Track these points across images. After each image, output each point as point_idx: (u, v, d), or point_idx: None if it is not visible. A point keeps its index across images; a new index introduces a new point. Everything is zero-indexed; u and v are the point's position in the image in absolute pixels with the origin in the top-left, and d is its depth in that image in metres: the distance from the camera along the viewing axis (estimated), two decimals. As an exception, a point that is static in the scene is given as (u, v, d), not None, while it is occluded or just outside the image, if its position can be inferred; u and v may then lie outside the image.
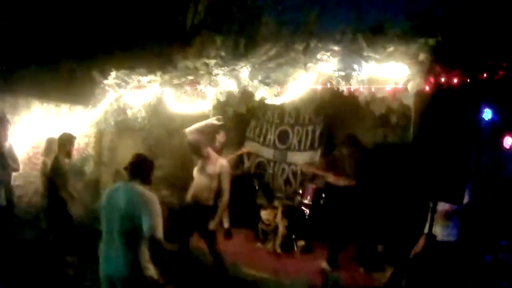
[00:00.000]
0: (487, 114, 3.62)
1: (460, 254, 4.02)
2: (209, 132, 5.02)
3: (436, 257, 3.92)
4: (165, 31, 8.12)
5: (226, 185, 4.62)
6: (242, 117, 7.11)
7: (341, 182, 5.33)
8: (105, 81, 6.33)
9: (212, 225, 4.55)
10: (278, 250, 5.87)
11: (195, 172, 4.77)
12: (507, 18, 3.64)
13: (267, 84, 4.19)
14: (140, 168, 3.17)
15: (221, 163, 4.75)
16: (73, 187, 5.79)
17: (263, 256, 5.82)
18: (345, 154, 5.38)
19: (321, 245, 5.86)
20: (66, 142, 5.28)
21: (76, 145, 6.81)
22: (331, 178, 5.54)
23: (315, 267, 5.26)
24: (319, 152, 6.84)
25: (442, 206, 3.94)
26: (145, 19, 8.11)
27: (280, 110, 7.35)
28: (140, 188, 3.09)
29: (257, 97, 4.48)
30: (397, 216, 5.21)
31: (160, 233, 2.98)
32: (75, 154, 6.67)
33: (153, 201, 3.03)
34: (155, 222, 2.95)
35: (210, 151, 4.79)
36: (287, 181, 7.33)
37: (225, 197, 4.60)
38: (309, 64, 3.95)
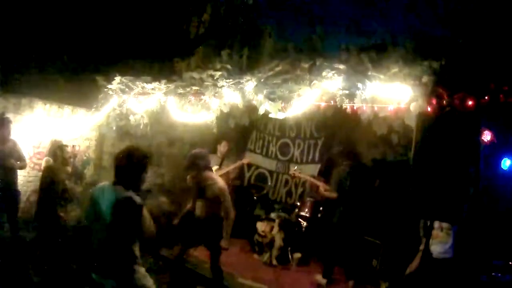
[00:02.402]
0: (487, 136, 3.70)
1: (456, 271, 4.06)
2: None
3: (432, 274, 3.97)
4: (170, 39, 8.21)
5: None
6: (243, 128, 7.17)
7: (327, 193, 5.45)
8: (109, 86, 6.37)
9: (224, 243, 4.35)
10: (274, 262, 5.87)
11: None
12: (509, 43, 3.74)
13: (272, 100, 4.22)
14: (127, 172, 2.91)
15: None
16: (71, 190, 5.84)
17: (259, 267, 5.83)
18: (337, 166, 5.51)
19: (318, 258, 5.89)
20: (56, 149, 5.44)
21: (76, 148, 6.90)
22: (321, 187, 5.65)
23: (310, 280, 5.29)
24: (319, 167, 6.89)
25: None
26: (150, 26, 8.21)
27: (281, 123, 7.40)
28: (124, 193, 2.86)
29: (261, 111, 4.52)
30: (393, 232, 5.25)
31: (150, 233, 2.95)
32: (77, 157, 6.73)
33: (137, 207, 2.85)
34: (144, 228, 2.90)
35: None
36: (289, 192, 7.36)
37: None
38: (314, 82, 4.00)
